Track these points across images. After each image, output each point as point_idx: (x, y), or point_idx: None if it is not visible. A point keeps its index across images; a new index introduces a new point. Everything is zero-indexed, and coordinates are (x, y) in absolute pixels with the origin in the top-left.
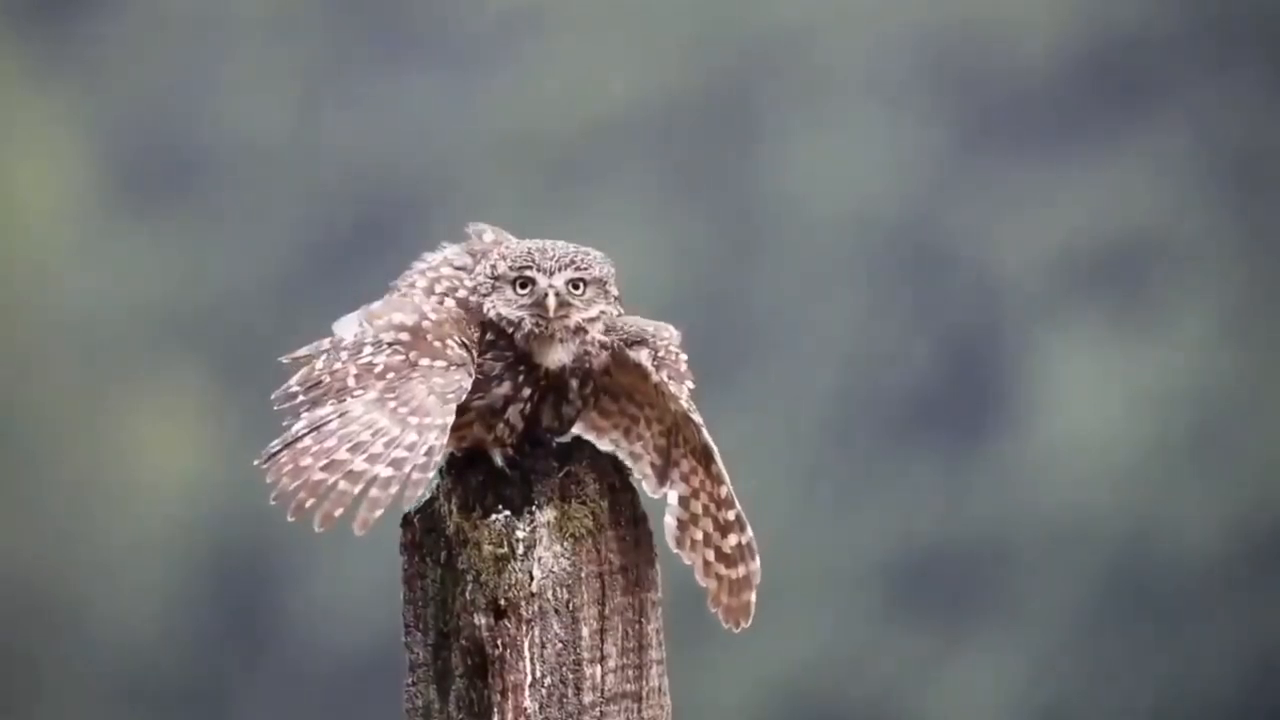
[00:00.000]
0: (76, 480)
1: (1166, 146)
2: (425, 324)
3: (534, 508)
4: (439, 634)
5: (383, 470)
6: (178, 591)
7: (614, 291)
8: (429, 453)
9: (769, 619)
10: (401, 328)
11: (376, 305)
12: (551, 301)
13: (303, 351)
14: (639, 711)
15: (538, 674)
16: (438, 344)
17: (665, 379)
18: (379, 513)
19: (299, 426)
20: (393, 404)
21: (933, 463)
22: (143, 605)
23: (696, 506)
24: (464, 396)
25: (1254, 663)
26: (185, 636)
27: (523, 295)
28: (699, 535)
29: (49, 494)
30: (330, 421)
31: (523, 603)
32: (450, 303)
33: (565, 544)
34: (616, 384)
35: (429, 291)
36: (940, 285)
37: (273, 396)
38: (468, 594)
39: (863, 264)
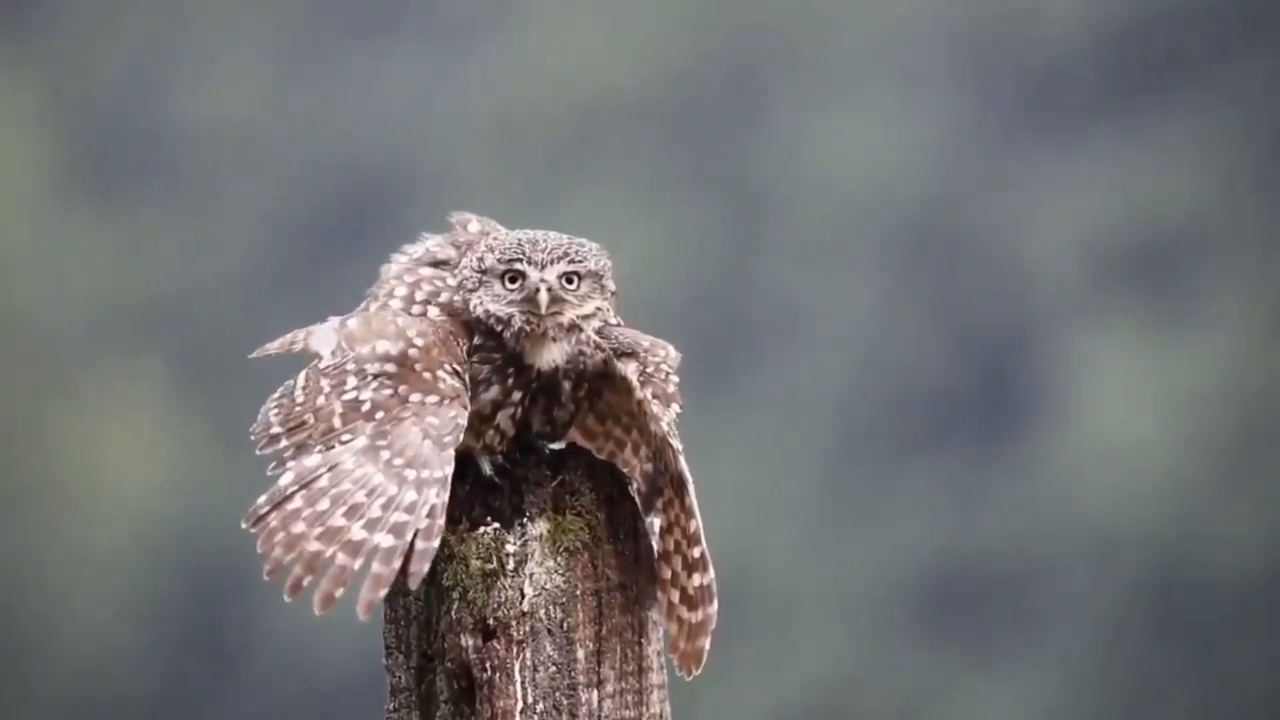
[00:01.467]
0: (34, 486)
1: (1208, 129)
2: (412, 352)
3: (525, 520)
4: (422, 656)
5: (383, 539)
6: (142, 607)
7: (611, 286)
8: (431, 514)
9: (781, 637)
10: (386, 358)
11: (354, 323)
12: (544, 297)
13: (273, 347)
14: None
15: (529, 699)
16: (428, 375)
17: (650, 397)
18: (383, 592)
19: (286, 481)
20: (386, 454)
21: (955, 469)
22: (105, 621)
23: (670, 542)
24: (461, 436)
25: None
26: (150, 655)
27: (512, 290)
28: (668, 574)
29: (3, 501)
30: (320, 476)
31: (513, 622)
32: (434, 311)
33: (559, 559)
34: (603, 402)
35: (409, 301)
36: (963, 278)
37: (252, 435)
38: (454, 613)
39: (880, 255)
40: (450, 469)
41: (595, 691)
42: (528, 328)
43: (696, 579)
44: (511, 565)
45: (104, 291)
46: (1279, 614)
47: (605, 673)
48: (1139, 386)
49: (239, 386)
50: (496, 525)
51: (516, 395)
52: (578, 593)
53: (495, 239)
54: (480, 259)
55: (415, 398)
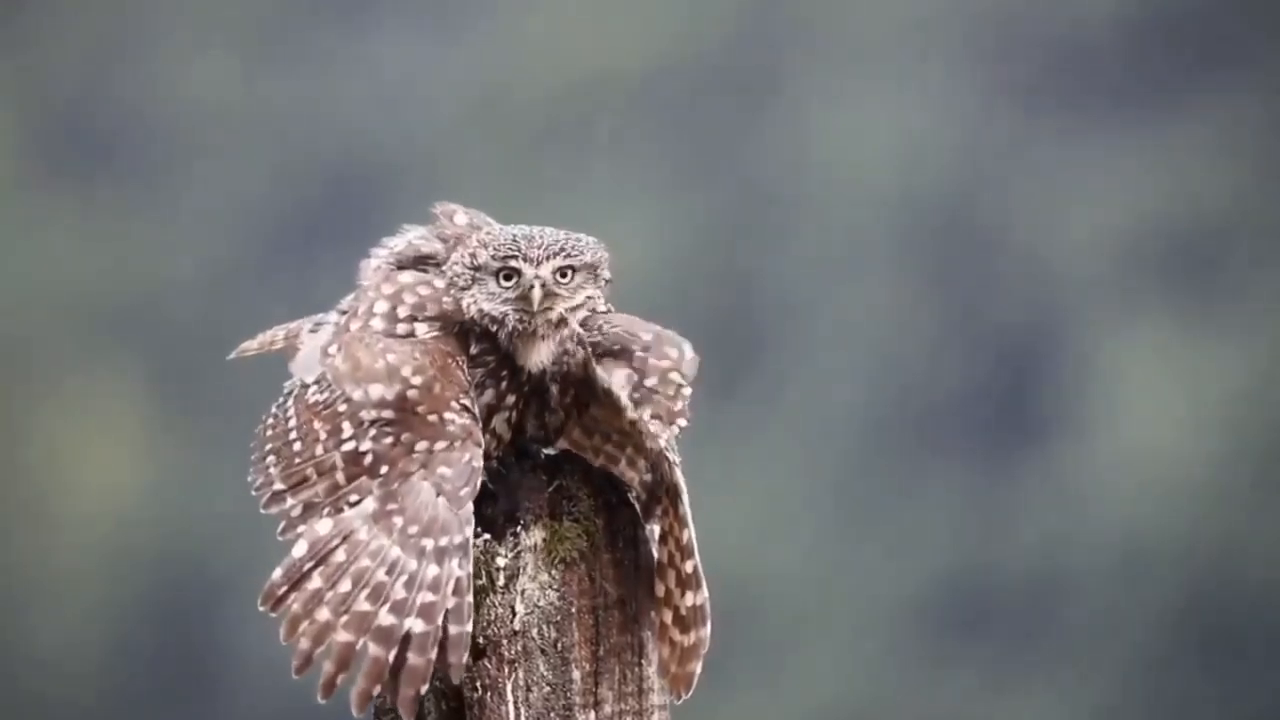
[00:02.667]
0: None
1: (1244, 116)
2: (411, 394)
3: (519, 528)
4: None
5: (415, 625)
6: (111, 626)
7: (605, 275)
8: (457, 590)
9: (791, 655)
10: (382, 404)
11: (339, 359)
12: (536, 293)
13: (252, 346)
14: None
15: None
16: (433, 418)
17: (646, 417)
18: (424, 688)
19: (300, 554)
20: (399, 520)
21: (975, 477)
22: (72, 641)
23: (663, 554)
24: (479, 483)
25: None
26: (121, 676)
27: (507, 288)
28: (661, 590)
29: None
30: (335, 549)
31: (504, 641)
32: (422, 328)
33: (553, 572)
34: (589, 416)
35: (391, 319)
36: (985, 273)
37: (253, 490)
38: None
39: (896, 249)
40: (470, 529)
41: (593, 713)
42: (520, 326)
43: (690, 598)
44: (502, 581)
45: (70, 286)
46: None
47: (603, 694)
48: (1170, 388)
49: (214, 384)
50: (487, 537)
51: (511, 398)
52: (573, 610)
53: (489, 234)
54: (473, 255)
55: (421, 446)
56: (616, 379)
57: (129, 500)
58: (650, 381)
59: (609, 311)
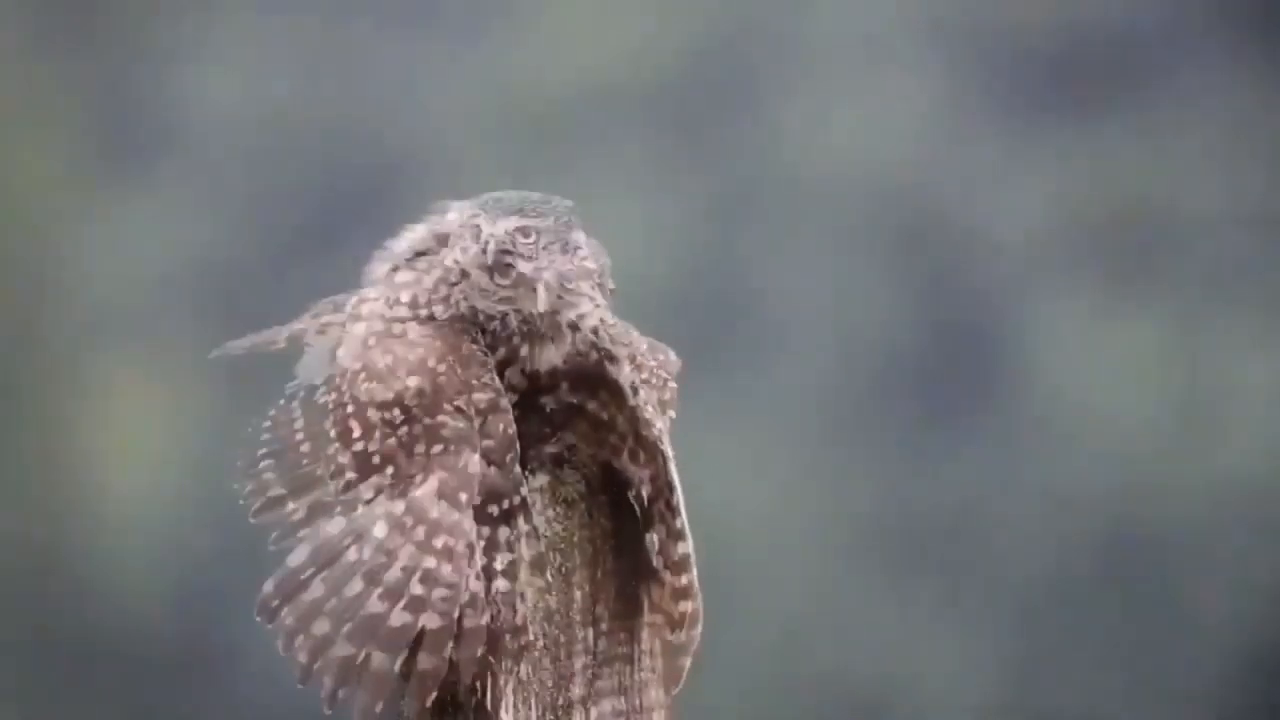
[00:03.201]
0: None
1: (1175, 120)
2: (407, 396)
3: (526, 473)
4: None
5: (430, 621)
6: (157, 604)
7: (610, 284)
8: (469, 587)
9: (751, 591)
10: (384, 405)
11: (343, 354)
12: (542, 293)
13: (240, 345)
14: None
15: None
16: (429, 421)
17: (643, 403)
18: (432, 696)
19: (299, 561)
20: (409, 520)
21: (927, 435)
22: (132, 611)
23: (659, 560)
24: (476, 489)
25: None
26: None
27: (503, 285)
28: (656, 595)
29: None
30: (346, 548)
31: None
32: (415, 328)
33: (558, 508)
34: (590, 411)
35: (385, 319)
36: (939, 257)
37: (242, 498)
38: None
39: (861, 237)
40: (472, 535)
41: (590, 630)
42: (524, 326)
43: (683, 605)
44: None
45: (115, 275)
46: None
47: (600, 612)
48: (1100, 354)
49: (261, 372)
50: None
51: (512, 397)
52: (575, 539)
53: (488, 232)
54: (465, 250)
55: (420, 449)
56: (623, 374)
57: (178, 483)
58: (644, 375)
59: (614, 323)
